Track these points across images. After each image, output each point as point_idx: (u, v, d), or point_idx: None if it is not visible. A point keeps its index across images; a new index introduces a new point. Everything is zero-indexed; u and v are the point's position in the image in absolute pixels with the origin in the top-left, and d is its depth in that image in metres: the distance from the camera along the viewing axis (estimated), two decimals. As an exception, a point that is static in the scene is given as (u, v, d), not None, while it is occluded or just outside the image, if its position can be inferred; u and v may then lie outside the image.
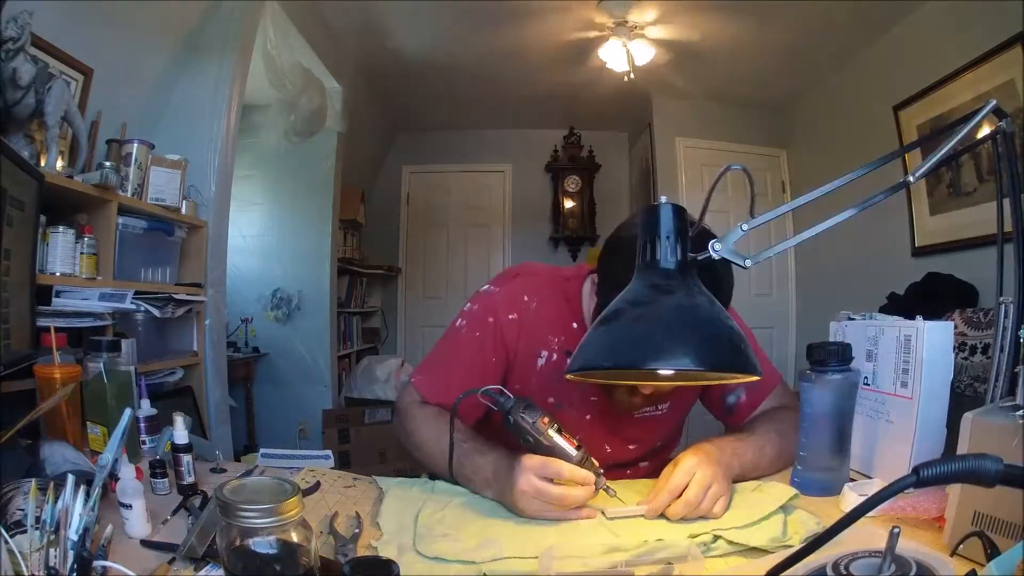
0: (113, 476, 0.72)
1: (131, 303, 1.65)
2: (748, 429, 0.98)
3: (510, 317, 1.02)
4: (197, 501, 0.79)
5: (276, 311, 3.35)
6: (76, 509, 0.54)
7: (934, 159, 0.69)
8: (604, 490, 0.82)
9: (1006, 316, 0.80)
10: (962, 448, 0.63)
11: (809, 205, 0.66)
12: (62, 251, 1.48)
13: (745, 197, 2.88)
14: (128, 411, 0.69)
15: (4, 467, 0.73)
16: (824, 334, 1.01)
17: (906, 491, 0.42)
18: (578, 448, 0.82)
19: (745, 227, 0.63)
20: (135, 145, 1.79)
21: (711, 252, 0.61)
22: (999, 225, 0.83)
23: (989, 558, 0.55)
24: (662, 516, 0.79)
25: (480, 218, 4.77)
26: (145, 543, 0.69)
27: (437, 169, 4.77)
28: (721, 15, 2.89)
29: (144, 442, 0.98)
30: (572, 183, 4.67)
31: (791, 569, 0.48)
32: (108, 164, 1.61)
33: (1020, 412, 0.60)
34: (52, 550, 0.53)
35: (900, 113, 2.80)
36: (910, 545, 0.55)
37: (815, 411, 0.86)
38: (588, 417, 1.03)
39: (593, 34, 3.09)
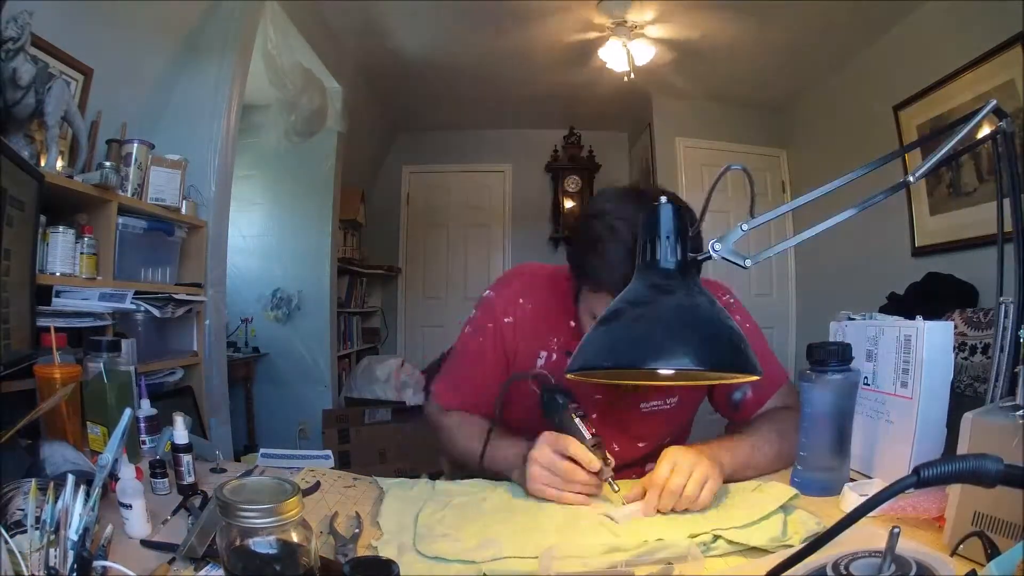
0: (113, 476, 0.72)
1: (131, 303, 1.65)
2: (747, 428, 0.98)
3: (506, 320, 1.05)
4: (197, 501, 0.79)
5: (276, 311, 3.35)
6: (76, 509, 0.54)
7: (934, 159, 0.69)
8: (607, 482, 0.84)
9: (1006, 316, 0.80)
10: (962, 448, 0.63)
11: (809, 205, 0.66)
12: (62, 251, 1.48)
13: (745, 197, 2.87)
14: (128, 411, 0.69)
15: (4, 467, 0.73)
16: (824, 334, 1.01)
17: (906, 491, 0.42)
18: (593, 435, 0.87)
19: (745, 227, 0.63)
20: (135, 145, 1.79)
21: (711, 252, 0.62)
22: (999, 225, 0.83)
23: (989, 558, 0.54)
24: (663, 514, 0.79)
25: (480, 218, 4.76)
26: (145, 543, 0.69)
27: (437, 169, 4.77)
28: (721, 15, 2.89)
29: (144, 442, 0.98)
30: (572, 183, 4.66)
31: (791, 569, 0.48)
32: (108, 164, 1.61)
33: (1020, 412, 0.60)
34: (52, 550, 0.53)
35: (900, 113, 2.80)
36: (910, 545, 0.55)
37: (815, 411, 0.86)
38: (594, 416, 1.03)
39: (593, 35, 3.09)
